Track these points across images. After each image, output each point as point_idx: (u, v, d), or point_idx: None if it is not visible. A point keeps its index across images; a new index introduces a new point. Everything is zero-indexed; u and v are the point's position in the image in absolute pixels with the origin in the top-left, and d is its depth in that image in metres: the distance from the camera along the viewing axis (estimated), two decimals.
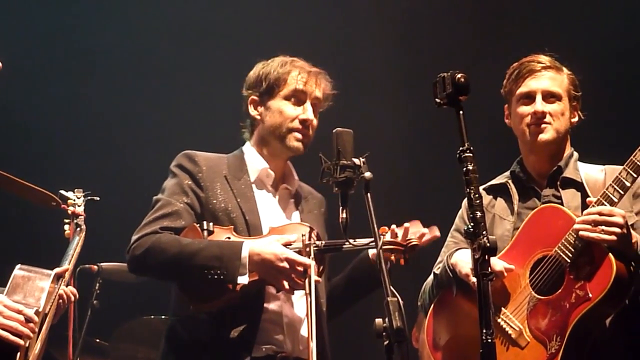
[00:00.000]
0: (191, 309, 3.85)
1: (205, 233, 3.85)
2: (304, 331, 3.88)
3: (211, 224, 3.88)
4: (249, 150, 4.10)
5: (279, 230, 3.91)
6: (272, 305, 3.89)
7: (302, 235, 3.82)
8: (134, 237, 3.88)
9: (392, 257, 3.86)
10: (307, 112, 4.00)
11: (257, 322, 3.83)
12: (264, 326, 3.85)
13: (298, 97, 4.02)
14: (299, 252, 3.79)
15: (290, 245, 3.82)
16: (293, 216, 4.10)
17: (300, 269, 3.75)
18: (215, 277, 3.75)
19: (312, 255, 3.75)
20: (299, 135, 4.01)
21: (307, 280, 3.68)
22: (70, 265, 4.06)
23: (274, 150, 4.07)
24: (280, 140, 4.03)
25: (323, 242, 3.86)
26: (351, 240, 3.76)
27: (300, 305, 3.94)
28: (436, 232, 3.99)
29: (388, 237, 3.88)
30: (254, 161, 4.07)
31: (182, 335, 3.89)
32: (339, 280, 4.16)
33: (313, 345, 3.51)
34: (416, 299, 4.22)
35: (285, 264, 3.75)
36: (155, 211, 3.92)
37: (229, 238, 3.86)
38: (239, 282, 3.75)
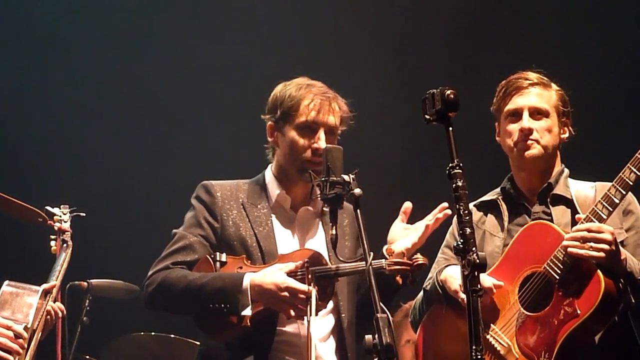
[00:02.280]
0: (211, 343, 3.92)
1: (218, 265, 3.87)
2: (322, 350, 3.90)
3: (224, 254, 3.90)
4: (270, 177, 4.09)
5: (287, 257, 3.90)
6: (289, 328, 3.89)
7: (306, 262, 3.81)
8: (149, 273, 3.92)
9: (398, 278, 3.86)
10: (319, 142, 3.95)
11: (270, 346, 3.84)
12: (281, 348, 3.86)
13: (310, 127, 3.97)
14: (303, 279, 3.78)
15: (295, 272, 3.81)
16: (317, 236, 4.08)
17: (302, 296, 3.74)
18: (221, 310, 3.77)
19: (313, 282, 3.74)
20: (313, 167, 3.92)
21: (308, 308, 3.69)
22: (58, 281, 4.06)
23: (291, 177, 4.05)
24: (295, 170, 4.01)
25: (329, 266, 3.84)
26: (352, 263, 3.82)
27: (318, 324, 3.89)
28: (444, 206, 3.99)
29: (394, 257, 3.88)
30: (272, 186, 4.07)
31: None
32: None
33: None
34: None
35: (286, 293, 3.74)
36: (170, 246, 3.96)
37: (241, 268, 3.87)
38: (243, 314, 3.76)
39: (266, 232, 3.96)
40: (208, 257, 3.90)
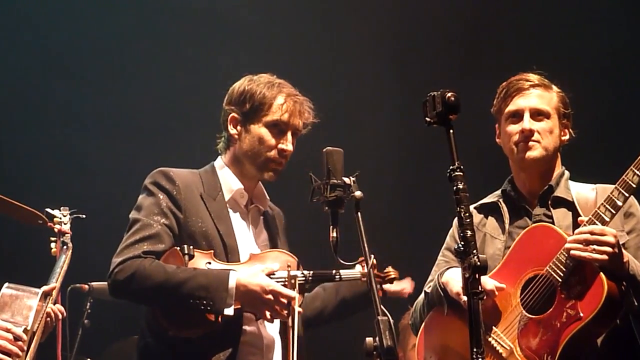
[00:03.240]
0: (169, 334, 3.81)
1: (187, 258, 3.82)
2: (277, 353, 3.90)
3: (192, 247, 3.84)
4: (223, 169, 4.06)
5: (260, 257, 3.92)
6: (250, 328, 3.88)
7: (288, 267, 3.84)
8: (116, 260, 3.81)
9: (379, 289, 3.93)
10: (287, 143, 3.97)
11: (237, 345, 3.82)
12: (242, 349, 3.84)
13: (280, 127, 3.97)
14: (284, 283, 3.80)
15: (274, 274, 3.83)
16: (262, 236, 4.09)
17: (284, 300, 3.76)
18: (202, 307, 3.73)
19: (297, 288, 3.77)
20: (275, 166, 3.98)
21: (290, 313, 3.72)
22: (58, 283, 4.05)
23: (248, 173, 4.03)
24: (255, 166, 4.00)
25: (309, 272, 3.88)
26: (342, 272, 3.88)
27: (274, 327, 3.93)
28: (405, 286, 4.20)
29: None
30: (229, 181, 4.03)
31: (159, 357, 3.85)
32: (329, 297, 4.14)
33: None
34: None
35: (270, 296, 3.76)
36: (135, 233, 3.85)
37: (209, 263, 3.84)
38: (225, 313, 3.74)
39: (226, 227, 3.94)
40: (177, 249, 3.84)
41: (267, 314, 3.78)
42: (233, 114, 4.02)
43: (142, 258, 3.78)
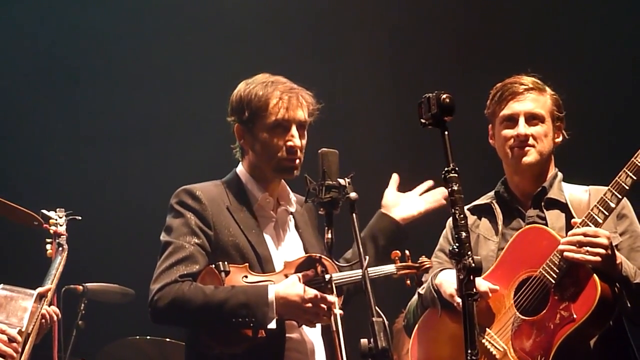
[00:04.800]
0: (216, 352, 3.80)
1: (223, 275, 3.80)
2: (321, 355, 3.90)
3: (226, 263, 3.83)
4: (245, 177, 4.04)
5: (295, 264, 3.90)
6: (294, 335, 3.87)
7: (322, 270, 3.83)
8: (154, 288, 3.79)
9: (408, 282, 4.05)
10: (293, 138, 3.93)
11: (282, 353, 3.81)
12: (288, 355, 3.83)
13: (282, 126, 3.94)
14: (320, 288, 3.79)
15: (311, 280, 3.82)
16: (294, 240, 4.06)
17: (324, 306, 3.75)
18: (245, 324, 3.73)
19: (335, 292, 3.76)
20: (290, 163, 3.94)
21: (332, 318, 3.70)
22: (53, 285, 4.04)
23: (268, 176, 4.01)
24: (272, 169, 3.98)
25: (345, 274, 3.86)
26: (376, 269, 3.93)
27: (316, 329, 3.91)
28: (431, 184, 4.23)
29: (404, 261, 4.03)
30: (253, 188, 4.01)
31: None
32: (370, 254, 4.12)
33: None
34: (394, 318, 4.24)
35: (310, 305, 3.74)
36: (169, 256, 3.83)
37: (246, 277, 3.83)
38: (269, 327, 3.74)
39: (257, 236, 3.92)
40: (212, 267, 3.83)
41: (309, 321, 3.78)
42: (237, 124, 4.01)
43: (179, 282, 3.77)
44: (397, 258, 4.00)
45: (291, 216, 4.09)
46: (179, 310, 3.75)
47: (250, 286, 3.79)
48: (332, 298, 3.74)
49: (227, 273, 3.81)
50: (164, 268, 3.81)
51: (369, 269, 3.62)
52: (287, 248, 4.02)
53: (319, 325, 3.87)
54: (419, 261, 4.05)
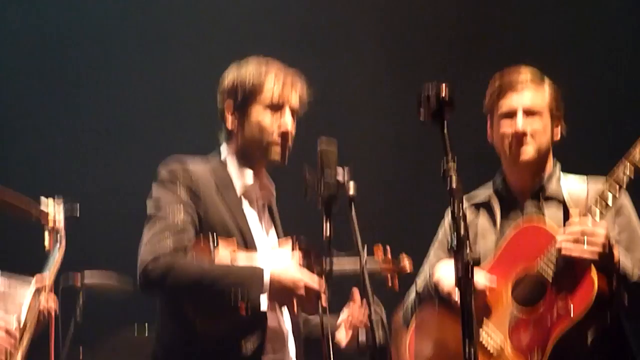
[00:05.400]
0: (197, 326, 3.77)
1: (212, 247, 3.76)
2: (291, 346, 3.90)
3: (216, 235, 3.79)
4: (231, 161, 4.00)
5: (283, 243, 3.90)
6: (271, 321, 3.85)
7: (315, 259, 3.80)
8: (147, 258, 3.72)
9: (389, 283, 4.06)
10: (286, 124, 3.91)
11: (264, 336, 3.80)
12: (268, 341, 3.81)
13: (276, 105, 3.91)
14: (311, 271, 3.77)
15: (305, 265, 3.80)
16: (271, 228, 4.06)
17: (314, 294, 3.72)
18: (238, 303, 3.69)
19: (325, 284, 3.73)
20: (280, 149, 3.93)
21: (320, 309, 3.69)
22: (51, 278, 4.03)
23: (255, 161, 3.98)
24: (261, 153, 3.94)
25: (332, 260, 3.83)
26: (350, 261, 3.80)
27: (287, 320, 3.92)
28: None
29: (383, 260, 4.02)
30: (240, 174, 3.97)
31: (186, 349, 3.82)
32: None
33: None
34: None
35: (302, 292, 3.72)
36: (159, 227, 3.78)
37: (234, 251, 3.79)
38: (262, 309, 3.71)
39: (243, 221, 3.89)
40: (202, 238, 3.78)
41: (296, 307, 3.76)
42: (227, 106, 3.97)
43: (174, 254, 3.71)
44: (380, 252, 3.99)
45: (269, 205, 4.09)
46: (173, 281, 3.69)
47: (247, 266, 3.76)
48: (321, 287, 3.70)
49: (216, 246, 3.77)
50: (156, 239, 3.74)
51: (351, 262, 3.68)
52: (269, 233, 4.02)
53: (288, 316, 3.88)
54: (400, 263, 4.07)
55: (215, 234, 3.80)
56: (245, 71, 3.95)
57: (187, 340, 3.80)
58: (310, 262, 3.81)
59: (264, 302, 3.70)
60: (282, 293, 3.72)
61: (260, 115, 3.91)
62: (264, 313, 3.77)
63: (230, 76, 3.98)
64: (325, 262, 3.77)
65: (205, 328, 3.76)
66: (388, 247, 4.07)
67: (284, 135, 3.91)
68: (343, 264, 3.83)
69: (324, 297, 3.69)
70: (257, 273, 3.72)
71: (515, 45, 6.42)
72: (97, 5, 6.90)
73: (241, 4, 6.91)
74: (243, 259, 3.79)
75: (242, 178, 3.97)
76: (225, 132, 4.01)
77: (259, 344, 3.77)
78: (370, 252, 4.01)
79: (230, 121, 3.98)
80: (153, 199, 3.87)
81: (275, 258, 3.82)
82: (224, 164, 3.99)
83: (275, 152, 3.93)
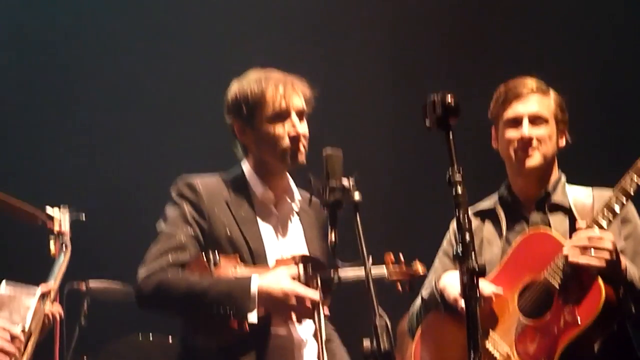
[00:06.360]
0: (200, 342, 3.83)
1: (211, 264, 3.81)
2: (308, 354, 3.89)
3: (217, 252, 3.84)
4: (249, 173, 4.04)
5: (285, 263, 3.87)
6: (281, 330, 3.86)
7: (311, 269, 3.80)
8: (142, 273, 3.82)
9: (400, 287, 4.01)
10: (295, 127, 3.94)
11: (266, 350, 3.80)
12: (273, 351, 3.82)
13: (281, 115, 3.94)
14: (307, 284, 3.77)
15: (299, 277, 3.80)
16: (296, 236, 4.06)
17: (309, 304, 3.74)
18: (226, 315, 3.72)
19: (319, 290, 3.75)
20: (295, 152, 3.95)
21: (317, 317, 3.70)
22: (56, 284, 4.04)
23: (275, 169, 4.01)
24: (278, 160, 3.97)
25: (335, 272, 3.84)
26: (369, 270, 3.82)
27: (305, 327, 3.91)
28: None
29: (397, 264, 3.99)
30: (255, 184, 4.01)
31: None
32: None
33: None
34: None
35: (294, 301, 3.73)
36: (160, 244, 3.86)
37: (236, 268, 3.82)
38: (249, 320, 3.73)
39: (253, 231, 3.92)
40: (202, 256, 3.84)
41: (293, 317, 3.77)
42: (236, 123, 4.01)
43: (166, 270, 3.79)
44: (390, 261, 3.99)
45: (296, 214, 4.09)
46: (163, 296, 3.77)
47: (234, 278, 3.79)
48: (316, 296, 3.72)
49: (217, 263, 3.82)
50: (154, 255, 3.84)
51: (355, 270, 3.69)
52: (287, 245, 4.01)
53: (310, 323, 3.86)
54: (413, 268, 4.03)
55: (217, 250, 3.84)
56: (245, 87, 3.99)
57: (195, 352, 3.86)
58: (308, 272, 3.81)
59: (253, 314, 3.71)
60: (274, 304, 3.73)
61: (268, 126, 3.94)
62: (267, 324, 3.78)
63: (232, 93, 4.03)
64: (330, 270, 3.79)
65: (205, 343, 3.80)
66: (400, 254, 4.07)
67: (294, 138, 3.94)
68: (348, 272, 3.83)
69: (321, 305, 3.69)
70: (244, 283, 3.74)
71: (521, 54, 6.42)
72: (108, 15, 6.93)
73: (245, 13, 6.92)
74: (244, 274, 3.80)
75: (257, 189, 4.01)
76: (241, 147, 4.07)
77: (261, 356, 3.78)
78: (381, 261, 4.00)
79: (241, 136, 4.02)
80: (162, 217, 3.96)
81: (272, 271, 3.83)
82: (241, 178, 4.03)
83: (292, 156, 3.95)
